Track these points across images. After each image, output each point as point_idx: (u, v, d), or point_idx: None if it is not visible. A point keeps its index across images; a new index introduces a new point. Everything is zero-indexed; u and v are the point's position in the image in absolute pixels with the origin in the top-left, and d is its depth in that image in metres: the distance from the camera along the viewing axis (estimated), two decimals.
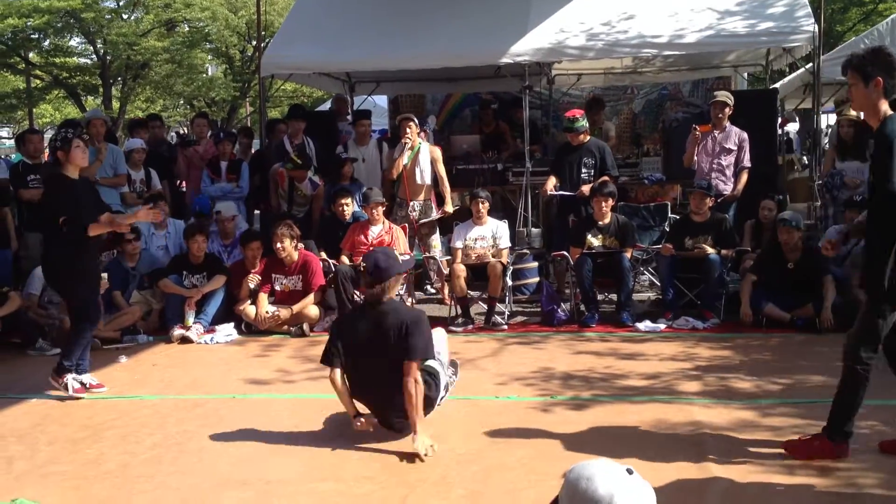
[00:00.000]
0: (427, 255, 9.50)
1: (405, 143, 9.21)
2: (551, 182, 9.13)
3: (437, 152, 9.47)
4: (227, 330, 8.09)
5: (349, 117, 11.67)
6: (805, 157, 13.94)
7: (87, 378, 6.22)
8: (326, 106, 16.35)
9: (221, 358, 7.37)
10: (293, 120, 10.44)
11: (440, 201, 9.50)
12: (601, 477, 1.97)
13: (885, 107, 4.36)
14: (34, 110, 30.85)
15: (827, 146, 10.28)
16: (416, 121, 9.50)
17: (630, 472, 2.01)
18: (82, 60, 28.92)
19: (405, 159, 9.24)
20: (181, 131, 18.77)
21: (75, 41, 28.67)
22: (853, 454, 4.50)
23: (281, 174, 9.64)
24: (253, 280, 8.30)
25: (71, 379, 6.09)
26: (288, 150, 10.10)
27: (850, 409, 4.49)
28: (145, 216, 6.51)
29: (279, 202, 9.69)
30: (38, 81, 28.07)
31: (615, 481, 1.96)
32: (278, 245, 8.22)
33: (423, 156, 9.31)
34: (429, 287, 10.10)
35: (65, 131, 6.20)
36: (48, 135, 14.63)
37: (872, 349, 4.45)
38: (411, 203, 9.34)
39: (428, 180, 9.34)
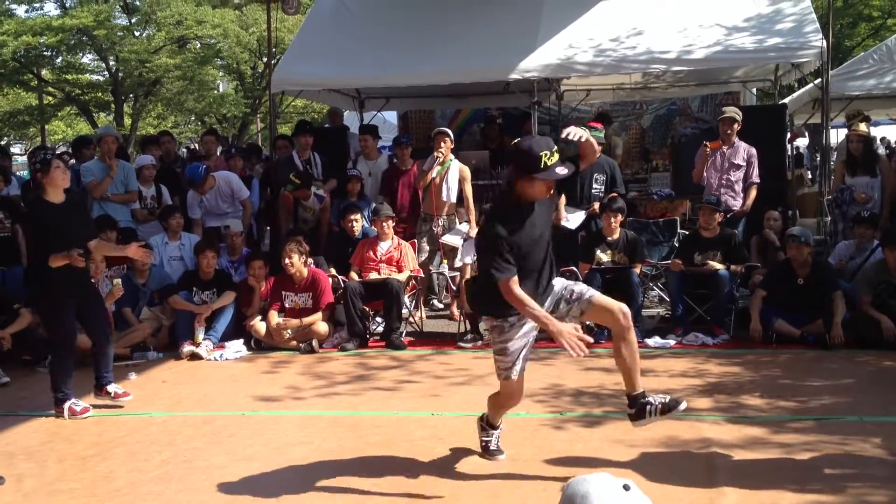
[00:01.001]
0: (436, 271, 9.51)
1: (437, 157, 9.23)
2: (562, 206, 9.09)
3: (467, 171, 9.48)
4: (236, 346, 8.10)
5: (353, 130, 11.72)
6: (810, 172, 13.91)
7: (112, 388, 6.30)
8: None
9: (231, 374, 7.39)
10: (299, 135, 10.49)
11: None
12: (596, 495, 1.90)
13: None
14: (46, 127, 31.03)
15: (835, 161, 10.25)
16: (452, 136, 9.52)
17: (627, 487, 1.94)
18: (94, 77, 29.12)
19: (434, 173, 9.26)
20: (192, 146, 18.81)
21: (87, 58, 28.89)
22: (861, 473, 4.47)
23: (287, 197, 9.69)
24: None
25: (68, 407, 6.09)
26: (297, 165, 10.15)
27: None
28: (134, 252, 6.57)
29: (287, 224, 9.70)
30: (50, 98, 28.27)
31: (610, 499, 1.90)
32: (287, 261, 8.24)
33: (453, 173, 9.33)
34: (436, 302, 10.10)
35: (43, 153, 6.27)
36: (59, 150, 14.69)
37: None
38: (436, 218, 9.36)
39: (454, 198, 9.35)
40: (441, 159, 9.23)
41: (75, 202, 6.53)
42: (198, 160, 11.24)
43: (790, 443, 5.02)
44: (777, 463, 4.68)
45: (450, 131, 9.59)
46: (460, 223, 9.42)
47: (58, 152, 6.51)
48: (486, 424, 4.98)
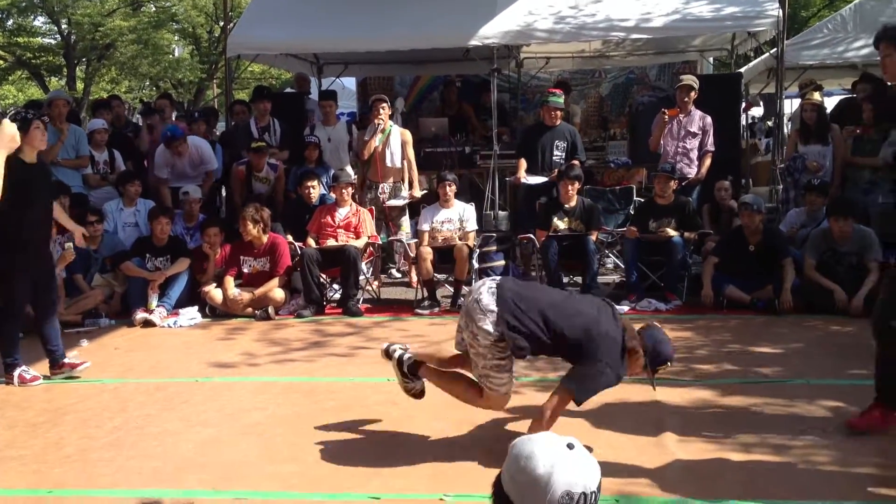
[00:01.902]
0: (394, 237, 9.51)
1: (377, 125, 9.18)
2: (522, 169, 9.16)
3: (408, 135, 9.47)
4: (190, 313, 8.04)
5: (313, 96, 11.61)
6: (762, 141, 14.08)
7: (69, 359, 6.19)
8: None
9: (185, 341, 7.34)
10: (257, 101, 10.37)
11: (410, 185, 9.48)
12: (540, 454, 1.93)
13: None
14: None
15: (789, 130, 10.37)
16: (389, 102, 9.48)
17: (571, 446, 1.96)
18: (46, 41, 28.46)
19: (376, 141, 9.22)
20: (144, 99, 18.34)
21: (39, 21, 28.21)
22: (806, 434, 4.58)
23: (240, 171, 9.59)
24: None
25: (17, 374, 6.02)
26: (253, 133, 10.05)
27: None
28: (78, 240, 6.56)
29: (240, 198, 9.58)
30: (0, 62, 27.60)
31: (555, 458, 1.92)
32: (246, 227, 8.18)
33: (394, 138, 9.30)
34: (394, 270, 10.10)
35: (24, 112, 6.11)
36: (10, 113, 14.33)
37: None
38: (381, 185, 9.33)
39: (398, 163, 9.32)
40: (381, 126, 9.19)
41: (44, 164, 6.42)
42: (152, 111, 11.11)
43: (738, 404, 5.12)
44: (725, 423, 4.78)
45: (386, 97, 9.51)
46: (402, 190, 9.42)
47: (40, 113, 6.34)
48: (408, 370, 4.81)
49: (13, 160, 5.99)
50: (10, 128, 4.43)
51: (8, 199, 5.83)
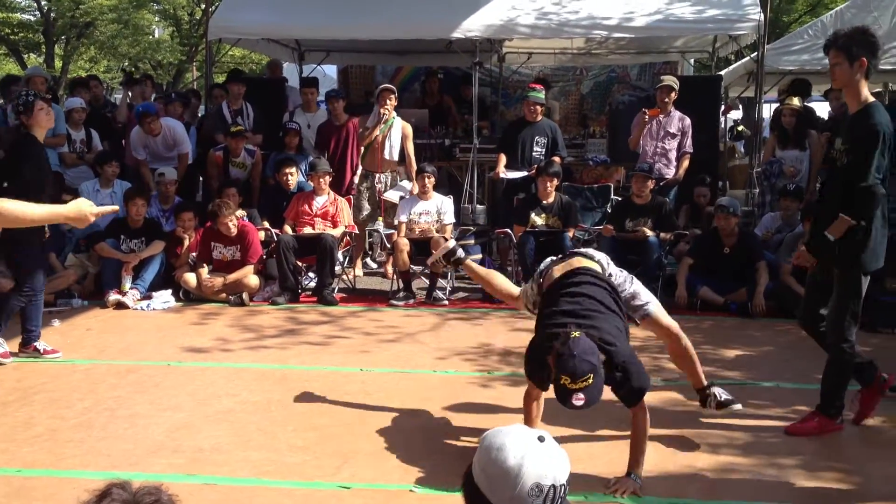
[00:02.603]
0: (371, 227, 9.49)
1: (382, 115, 9.14)
2: (501, 164, 9.17)
3: (409, 129, 9.42)
4: (164, 297, 7.99)
5: (292, 84, 11.55)
6: (738, 144, 14.18)
7: (41, 344, 6.14)
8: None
9: (158, 325, 7.29)
10: (232, 83, 10.29)
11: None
12: (511, 446, 1.94)
13: (865, 90, 4.43)
14: None
15: (767, 134, 10.46)
16: (396, 93, 9.42)
17: (542, 439, 1.97)
18: (25, 17, 28.07)
19: (378, 131, 9.18)
20: (126, 69, 18.08)
21: None
22: (775, 437, 4.64)
23: (217, 157, 9.53)
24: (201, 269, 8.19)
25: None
26: (225, 117, 9.99)
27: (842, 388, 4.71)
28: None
29: (217, 184, 9.51)
30: None
31: (525, 450, 1.93)
32: (220, 215, 8.13)
33: (396, 131, 9.27)
34: (369, 261, 10.08)
35: (26, 94, 6.09)
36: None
37: (854, 326, 4.62)
38: (377, 175, 9.30)
39: (396, 156, 9.30)
40: (386, 117, 9.16)
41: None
42: (136, 82, 11.02)
43: None
44: (695, 424, 4.82)
45: (394, 88, 9.50)
46: (401, 180, 9.39)
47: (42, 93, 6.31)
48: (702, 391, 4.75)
49: (29, 138, 5.97)
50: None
51: (31, 180, 5.84)
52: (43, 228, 6.01)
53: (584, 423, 4.77)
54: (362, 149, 9.45)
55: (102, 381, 5.56)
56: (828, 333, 4.69)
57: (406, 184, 9.24)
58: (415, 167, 9.23)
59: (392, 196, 9.19)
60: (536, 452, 1.93)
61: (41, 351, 6.10)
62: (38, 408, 5.01)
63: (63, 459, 4.23)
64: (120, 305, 7.79)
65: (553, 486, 1.91)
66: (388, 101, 9.15)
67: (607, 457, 4.32)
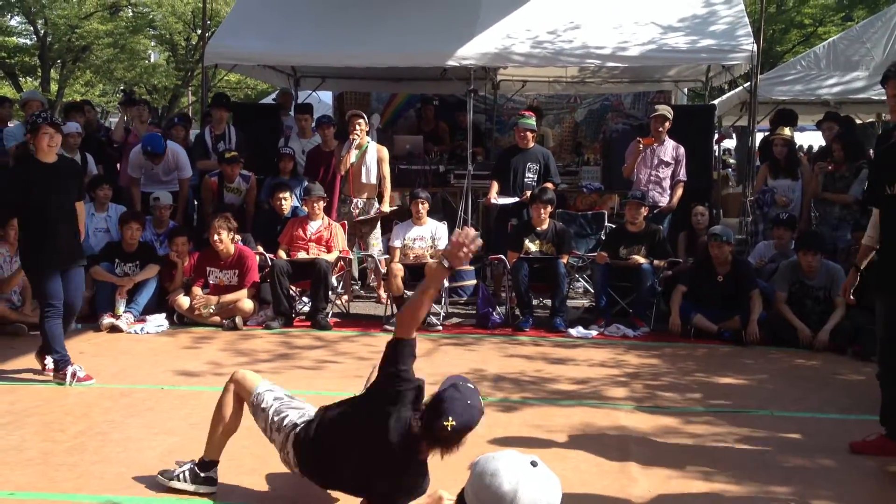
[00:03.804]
0: (365, 253, 9.51)
1: (353, 140, 9.19)
2: (494, 190, 9.22)
3: (385, 152, 9.47)
4: (158, 320, 7.98)
5: (291, 112, 11.62)
6: (729, 172, 14.28)
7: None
8: (271, 99, 16.22)
9: (151, 348, 7.27)
10: (215, 108, 10.31)
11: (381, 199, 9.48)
12: (505, 471, 1.94)
13: None
14: None
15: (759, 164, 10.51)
16: (366, 118, 9.49)
17: (535, 464, 1.98)
18: (21, 41, 28.18)
19: (352, 157, 9.22)
20: (125, 89, 18.08)
21: (15, 21, 27.93)
22: (767, 465, 4.64)
23: (212, 182, 9.55)
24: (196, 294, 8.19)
25: (70, 371, 6.05)
26: (206, 143, 10.02)
27: None
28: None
29: (210, 208, 9.52)
30: None
31: (519, 475, 1.94)
32: (215, 237, 8.14)
33: (371, 154, 9.31)
34: (355, 287, 10.04)
35: (35, 115, 6.15)
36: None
37: None
38: (354, 200, 9.34)
39: (373, 179, 9.34)
40: (358, 142, 9.20)
41: (63, 164, 6.37)
42: (135, 103, 10.99)
43: (702, 433, 5.17)
44: (688, 452, 4.82)
45: (362, 113, 9.53)
46: (379, 203, 9.43)
47: (53, 116, 6.35)
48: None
49: (30, 160, 6.04)
50: None
51: (25, 200, 5.91)
52: (40, 236, 6.01)
53: (575, 452, 4.77)
54: (340, 176, 9.49)
55: (96, 405, 5.53)
56: None
57: (375, 204, 9.34)
58: (388, 188, 9.31)
59: (364, 217, 9.25)
60: (530, 478, 1.95)
61: (75, 376, 6.05)
62: (31, 431, 4.98)
63: (56, 483, 4.20)
64: (114, 329, 7.77)
65: None
66: (357, 126, 9.19)
67: (600, 486, 4.31)
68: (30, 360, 6.41)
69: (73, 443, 4.80)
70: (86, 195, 9.14)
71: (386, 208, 9.36)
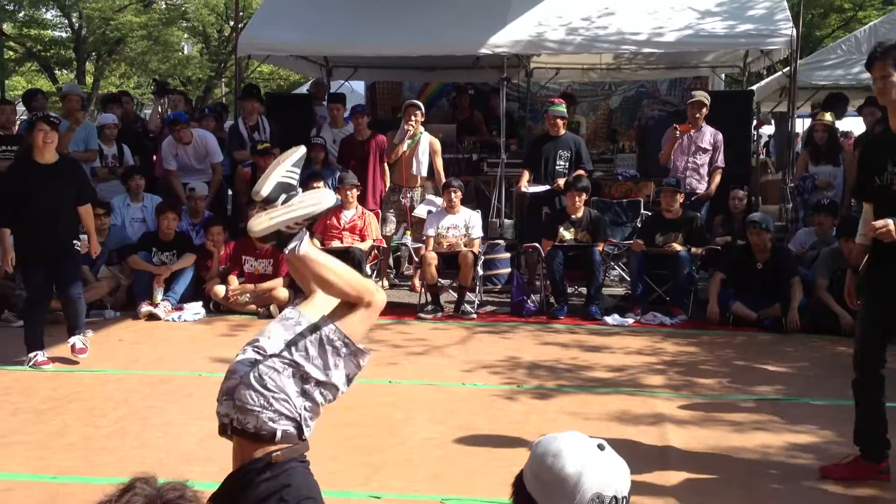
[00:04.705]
0: (399, 241, 9.51)
1: (407, 130, 9.18)
2: (525, 179, 9.16)
3: (437, 144, 9.45)
4: (195, 308, 8.04)
5: (325, 102, 11.64)
6: (769, 160, 14.09)
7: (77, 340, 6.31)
8: (303, 89, 16.26)
9: (188, 336, 7.33)
10: (245, 100, 10.34)
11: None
12: (569, 453, 1.81)
13: None
14: (6, 82, 30.33)
15: (800, 150, 10.39)
16: (423, 109, 9.46)
17: (602, 447, 1.85)
18: (57, 33, 28.49)
19: (405, 146, 9.22)
20: (157, 78, 18.17)
21: (51, 14, 28.22)
22: (808, 453, 4.58)
23: (246, 173, 9.59)
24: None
25: (34, 357, 6.20)
26: (241, 133, 10.06)
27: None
28: (84, 248, 6.68)
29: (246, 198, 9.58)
30: (11, 53, 27.59)
31: (585, 458, 1.80)
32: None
33: (423, 146, 9.30)
34: (389, 275, 9.97)
35: (33, 114, 6.27)
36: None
37: None
38: (404, 190, 9.32)
39: (424, 172, 9.33)
40: (411, 132, 9.19)
41: (67, 166, 6.51)
42: (168, 92, 11.11)
43: (740, 421, 5.12)
44: (727, 441, 4.77)
45: (420, 104, 9.54)
46: (430, 195, 9.41)
47: (50, 115, 6.51)
48: None
49: (25, 160, 6.18)
50: None
51: (18, 195, 6.06)
52: (29, 230, 6.18)
53: (612, 439, 4.74)
54: (386, 165, 9.49)
55: (135, 391, 5.59)
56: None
57: (436, 199, 9.26)
58: (443, 181, 9.26)
59: (421, 212, 9.21)
60: (597, 461, 1.82)
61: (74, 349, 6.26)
62: (73, 416, 5.05)
63: (97, 467, 4.25)
64: (152, 317, 7.84)
65: (615, 497, 1.80)
66: (413, 117, 9.18)
67: (639, 473, 4.27)
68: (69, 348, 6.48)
69: (114, 428, 4.85)
70: (123, 186, 9.32)
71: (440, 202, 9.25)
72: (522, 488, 1.86)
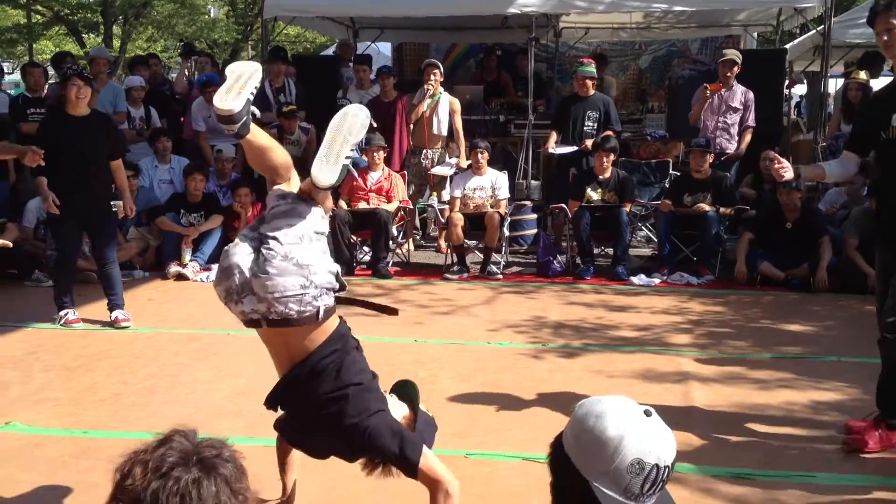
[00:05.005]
0: (425, 202, 9.50)
1: (427, 90, 9.14)
2: (552, 140, 9.10)
3: (457, 104, 9.39)
4: None
5: (351, 64, 11.60)
6: (801, 120, 13.84)
7: (117, 314, 6.35)
8: (330, 52, 16.21)
9: (216, 296, 7.38)
10: (272, 62, 10.32)
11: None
12: (612, 415, 1.70)
13: None
14: (34, 46, 30.50)
15: (832, 110, 10.21)
16: (441, 69, 9.41)
17: (648, 413, 1.73)
18: None
19: (424, 106, 9.19)
20: (184, 40, 18.17)
21: None
22: (833, 410, 4.55)
23: (273, 136, 9.57)
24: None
25: (63, 315, 6.29)
26: (268, 95, 10.05)
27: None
28: (121, 212, 6.68)
29: None
30: (38, 17, 27.73)
31: (628, 422, 1.69)
32: None
33: (443, 105, 9.26)
34: (416, 236, 9.98)
35: (67, 68, 6.25)
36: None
37: None
38: (425, 151, 9.31)
39: (444, 131, 9.30)
40: (431, 92, 9.14)
41: (100, 120, 6.52)
42: (195, 53, 11.10)
43: (766, 379, 5.10)
44: (752, 399, 4.76)
45: (439, 63, 9.47)
46: (450, 157, 9.39)
47: (84, 70, 6.55)
48: None
49: (58, 113, 6.18)
50: None
51: (48, 150, 6.07)
52: (61, 186, 6.15)
53: (637, 396, 4.74)
54: (412, 126, 9.46)
55: (164, 349, 5.67)
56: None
57: (453, 159, 9.24)
58: (463, 142, 9.23)
59: (440, 171, 9.20)
60: (641, 427, 1.71)
61: (115, 320, 6.30)
62: (103, 373, 5.13)
63: (128, 422, 4.33)
64: (180, 277, 7.93)
65: (656, 465, 1.68)
66: (432, 77, 9.12)
67: None
68: (100, 307, 6.56)
69: (144, 384, 4.93)
70: (150, 147, 9.38)
71: (464, 163, 9.24)
72: (560, 449, 1.77)
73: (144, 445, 1.61)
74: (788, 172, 4.21)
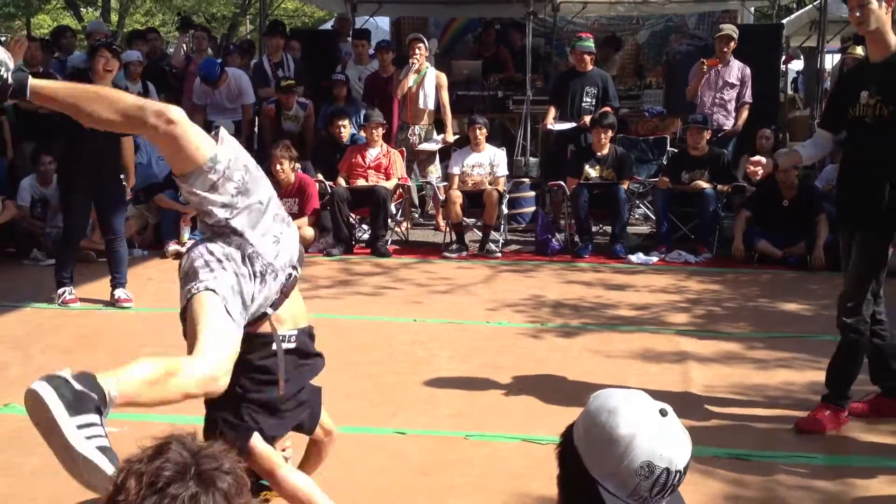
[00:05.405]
0: (424, 180, 9.49)
1: (412, 65, 9.10)
2: (551, 115, 9.08)
3: (444, 78, 9.36)
4: None
5: (350, 38, 11.53)
6: (797, 96, 13.82)
7: (119, 293, 6.32)
8: (328, 26, 16.12)
9: None
10: (270, 36, 10.25)
11: (441, 128, 9.41)
12: (626, 412, 1.62)
13: (893, 37, 3.92)
14: (32, 20, 30.27)
15: (828, 85, 10.16)
16: (427, 43, 9.36)
17: (664, 413, 1.65)
18: None
19: (410, 81, 9.15)
20: (182, 12, 18.02)
21: None
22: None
23: (270, 110, 9.55)
24: None
25: (62, 293, 6.27)
26: (266, 69, 10.00)
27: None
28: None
29: (270, 137, 9.56)
30: None
31: (641, 421, 1.61)
32: (277, 167, 8.18)
33: (429, 80, 9.22)
34: (415, 214, 9.97)
35: (97, 39, 6.19)
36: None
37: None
38: (412, 127, 9.28)
39: (431, 106, 9.26)
40: (416, 66, 9.10)
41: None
42: (192, 27, 11.01)
43: (764, 358, 5.13)
44: (750, 378, 4.79)
45: (423, 37, 9.40)
46: (437, 133, 9.36)
47: (110, 41, 6.51)
48: None
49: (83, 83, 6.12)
50: None
51: (66, 127, 6.02)
52: (76, 164, 6.16)
53: (636, 376, 4.76)
54: (398, 101, 9.41)
55: (164, 329, 5.66)
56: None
57: (441, 136, 9.23)
58: (450, 116, 9.20)
59: (427, 146, 9.19)
60: (655, 426, 1.63)
61: (118, 300, 6.29)
62: (102, 353, 5.14)
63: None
64: (179, 255, 7.91)
65: (667, 469, 1.59)
66: (417, 51, 9.07)
67: None
68: (99, 287, 6.57)
69: None
70: None
71: (450, 138, 9.25)
72: (570, 441, 1.67)
73: (139, 453, 1.53)
74: (760, 172, 4.21)
